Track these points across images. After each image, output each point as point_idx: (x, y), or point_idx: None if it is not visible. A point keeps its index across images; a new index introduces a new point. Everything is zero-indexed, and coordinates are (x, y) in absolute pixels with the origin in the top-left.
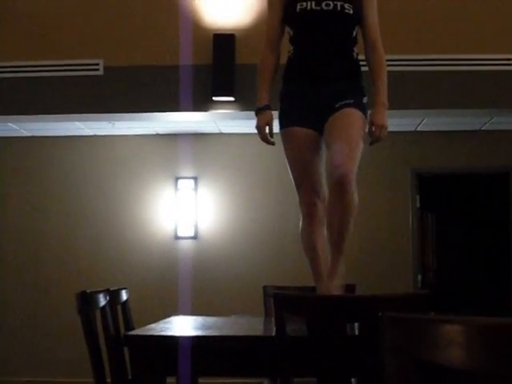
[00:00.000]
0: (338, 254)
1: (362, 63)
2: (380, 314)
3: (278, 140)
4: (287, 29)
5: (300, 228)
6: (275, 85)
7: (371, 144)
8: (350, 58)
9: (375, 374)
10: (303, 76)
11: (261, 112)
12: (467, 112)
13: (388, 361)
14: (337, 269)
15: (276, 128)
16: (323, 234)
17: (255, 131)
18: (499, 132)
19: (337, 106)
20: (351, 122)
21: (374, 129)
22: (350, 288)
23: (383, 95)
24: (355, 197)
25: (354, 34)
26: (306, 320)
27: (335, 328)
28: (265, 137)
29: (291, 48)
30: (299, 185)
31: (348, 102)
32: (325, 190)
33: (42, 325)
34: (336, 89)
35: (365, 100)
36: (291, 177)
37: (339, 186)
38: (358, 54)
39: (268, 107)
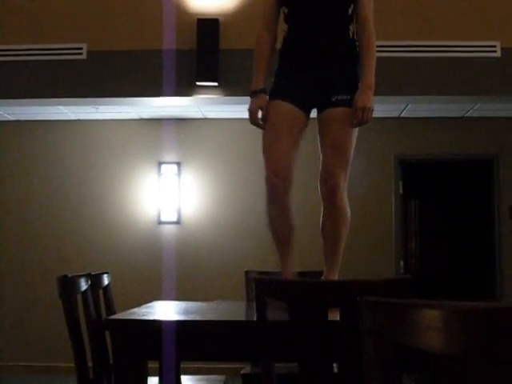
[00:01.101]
0: (334, 260)
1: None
2: (358, 298)
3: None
4: (282, 8)
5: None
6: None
7: (354, 126)
8: (345, 36)
9: (356, 359)
10: (298, 53)
11: (255, 95)
12: (451, 99)
13: (366, 344)
14: (333, 274)
15: None
16: (284, 212)
17: (239, 116)
18: (483, 119)
19: (333, 99)
20: (346, 127)
21: (356, 111)
22: (318, 274)
23: (369, 76)
24: (347, 203)
25: (350, 11)
26: (287, 305)
27: (316, 313)
28: (255, 121)
29: (286, 27)
30: (266, 160)
31: (344, 97)
32: (290, 173)
33: (23, 309)
34: (331, 72)
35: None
36: (262, 150)
37: (331, 194)
38: (353, 34)
39: (263, 91)
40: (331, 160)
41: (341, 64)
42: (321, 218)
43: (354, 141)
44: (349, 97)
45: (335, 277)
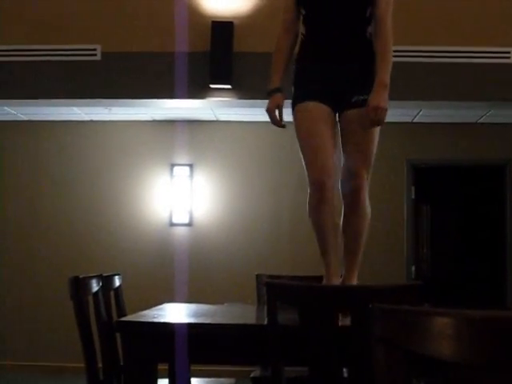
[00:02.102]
0: (354, 261)
1: None
2: (370, 305)
3: (274, 128)
4: (300, 9)
5: (308, 206)
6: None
7: (367, 128)
8: (363, 37)
9: (366, 365)
10: (316, 55)
11: (271, 94)
12: (464, 104)
13: (377, 351)
14: (353, 273)
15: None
16: (332, 213)
17: (252, 119)
18: (496, 125)
19: (353, 100)
20: (367, 129)
21: (369, 111)
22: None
23: (383, 74)
24: (368, 203)
25: (368, 13)
26: (297, 309)
27: (327, 318)
28: (275, 119)
29: (303, 29)
30: (311, 161)
31: (364, 98)
32: (335, 172)
33: (35, 310)
34: (350, 73)
35: None
36: (301, 154)
37: (355, 193)
38: (371, 35)
39: (279, 90)
40: (354, 160)
41: (359, 65)
42: (341, 218)
43: (377, 140)
44: (368, 97)
45: (355, 280)
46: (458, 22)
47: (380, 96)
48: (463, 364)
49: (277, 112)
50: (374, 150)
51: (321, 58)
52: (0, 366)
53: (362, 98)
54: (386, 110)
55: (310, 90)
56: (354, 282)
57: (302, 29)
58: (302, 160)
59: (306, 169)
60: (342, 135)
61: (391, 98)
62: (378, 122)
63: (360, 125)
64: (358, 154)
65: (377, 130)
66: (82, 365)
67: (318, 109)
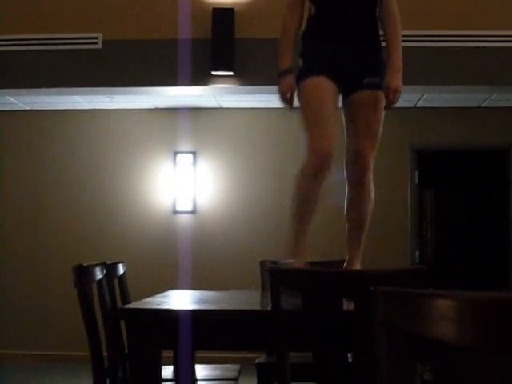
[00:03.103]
0: (357, 243)
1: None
2: (372, 287)
3: (277, 114)
4: None
5: (301, 175)
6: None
7: (385, 109)
8: (373, 17)
9: (370, 349)
10: (327, 33)
11: (282, 76)
12: (467, 89)
13: (379, 334)
14: (357, 258)
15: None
16: (321, 190)
17: (254, 106)
18: (499, 109)
19: (364, 82)
20: (377, 110)
21: (388, 93)
22: (337, 264)
23: (398, 57)
24: (372, 187)
25: None
26: (301, 294)
27: (330, 302)
28: (287, 100)
29: (313, 8)
30: (319, 131)
31: (374, 81)
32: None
33: (38, 298)
34: (362, 52)
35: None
36: (305, 123)
37: (361, 174)
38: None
39: (289, 71)
40: (362, 142)
41: (371, 45)
42: (345, 201)
43: (382, 124)
44: (378, 79)
45: (358, 264)
46: (461, 5)
47: (398, 78)
48: (466, 346)
49: (289, 93)
50: (380, 134)
51: (332, 37)
52: (7, 355)
53: (373, 80)
54: (401, 91)
55: (320, 67)
56: (358, 266)
57: (309, 6)
58: (305, 129)
59: (310, 137)
60: (350, 117)
61: None
62: (395, 103)
63: (373, 107)
64: (369, 135)
65: (383, 114)
66: (87, 353)
67: (327, 84)
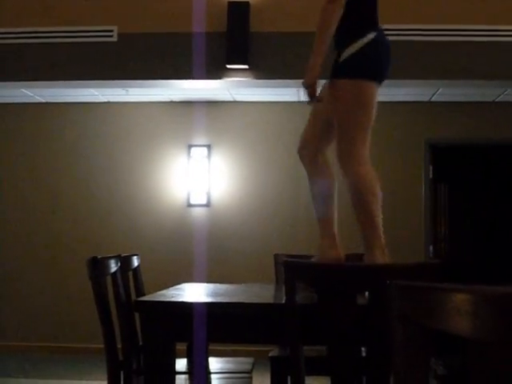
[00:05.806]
0: (365, 232)
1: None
2: (388, 282)
3: (291, 107)
4: None
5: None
6: None
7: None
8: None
9: (385, 343)
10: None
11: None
12: (482, 83)
13: (395, 328)
14: (375, 247)
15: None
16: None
17: (269, 99)
18: None
19: None
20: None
21: None
22: (359, 257)
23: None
24: (366, 171)
25: None
26: (316, 288)
27: (345, 296)
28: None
29: None
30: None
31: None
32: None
33: (53, 290)
34: None
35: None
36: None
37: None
38: None
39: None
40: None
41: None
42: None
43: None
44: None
45: (379, 255)
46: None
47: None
48: (482, 341)
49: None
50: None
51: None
52: (23, 347)
53: None
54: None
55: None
56: (378, 258)
57: None
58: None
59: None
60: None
61: (409, 77)
62: (309, 97)
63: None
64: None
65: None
66: (102, 345)
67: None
